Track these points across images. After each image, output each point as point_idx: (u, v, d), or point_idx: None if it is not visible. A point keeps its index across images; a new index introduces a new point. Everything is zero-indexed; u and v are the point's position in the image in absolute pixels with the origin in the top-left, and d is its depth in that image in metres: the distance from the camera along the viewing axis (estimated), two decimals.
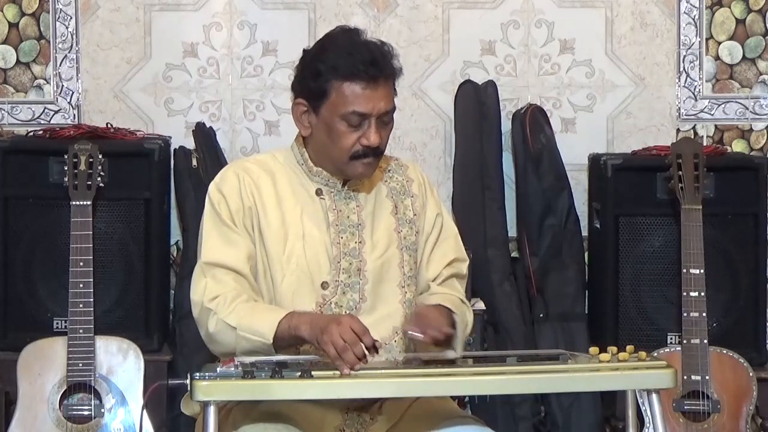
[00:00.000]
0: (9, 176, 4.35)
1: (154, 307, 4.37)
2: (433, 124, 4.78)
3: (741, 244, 4.41)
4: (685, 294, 4.09)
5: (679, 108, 4.77)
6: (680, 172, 4.18)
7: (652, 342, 4.25)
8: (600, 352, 2.91)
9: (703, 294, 4.08)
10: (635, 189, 4.41)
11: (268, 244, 3.08)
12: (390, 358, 3.01)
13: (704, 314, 4.07)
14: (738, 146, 4.77)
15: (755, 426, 4.23)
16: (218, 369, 2.78)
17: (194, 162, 4.56)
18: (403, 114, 4.68)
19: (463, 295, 3.23)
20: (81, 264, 4.05)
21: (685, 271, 4.09)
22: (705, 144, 4.70)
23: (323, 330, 2.85)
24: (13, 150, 4.39)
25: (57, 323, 4.29)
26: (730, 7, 4.75)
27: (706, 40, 4.75)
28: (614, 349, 2.91)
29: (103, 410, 4.07)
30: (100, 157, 4.16)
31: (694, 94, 4.76)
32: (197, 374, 2.76)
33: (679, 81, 4.76)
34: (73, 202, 4.11)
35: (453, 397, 3.24)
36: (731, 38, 4.76)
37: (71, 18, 4.72)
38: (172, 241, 4.67)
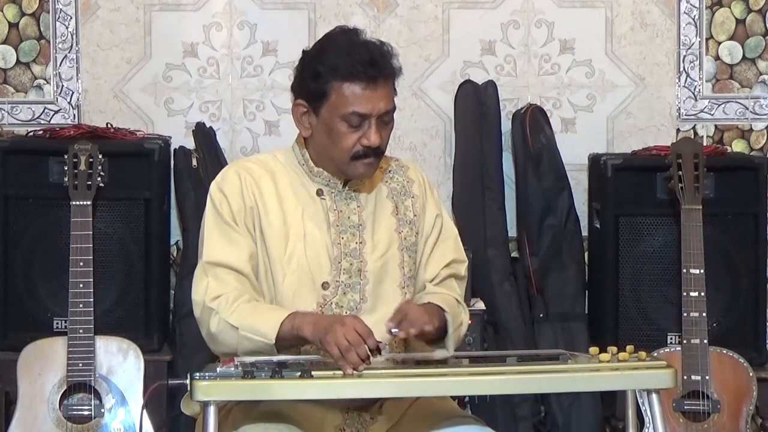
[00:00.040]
0: (9, 176, 4.35)
1: (154, 307, 4.37)
2: (433, 124, 4.79)
3: (741, 244, 4.41)
4: (685, 294, 4.09)
5: (679, 108, 4.77)
6: (680, 172, 4.18)
7: (652, 342, 4.25)
8: (600, 352, 2.91)
9: (703, 294, 4.08)
10: (635, 189, 4.41)
11: (269, 244, 3.08)
12: (394, 360, 3.01)
13: (704, 314, 4.07)
14: (738, 146, 4.77)
15: (755, 426, 4.23)
16: (218, 369, 2.78)
17: (194, 162, 4.56)
18: (403, 114, 4.68)
19: (460, 295, 3.22)
20: (81, 264, 4.05)
21: (685, 271, 4.10)
22: (705, 144, 4.70)
23: (327, 330, 2.85)
24: (13, 150, 4.39)
25: (57, 323, 4.29)
26: (730, 7, 4.75)
27: (706, 40, 4.76)
28: (614, 349, 2.91)
29: (103, 410, 4.07)
30: (100, 157, 4.16)
31: (694, 94, 4.76)
32: (197, 374, 2.76)
33: (679, 81, 4.76)
34: (73, 202, 4.11)
35: (453, 397, 3.24)
36: (731, 38, 4.76)
37: (71, 18, 4.72)
38: (172, 241, 4.67)
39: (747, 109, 4.77)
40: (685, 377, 4.07)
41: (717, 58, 4.76)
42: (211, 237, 3.08)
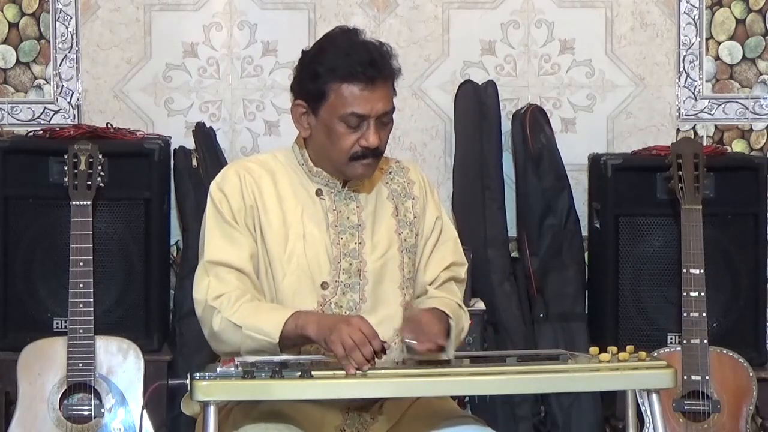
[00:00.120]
0: (9, 176, 4.35)
1: (154, 307, 4.37)
2: (433, 124, 4.78)
3: (741, 244, 4.41)
4: (685, 294, 4.09)
5: (679, 108, 4.77)
6: (680, 172, 4.18)
7: (652, 342, 4.25)
8: (600, 352, 2.91)
9: (703, 294, 4.08)
10: (635, 189, 4.41)
11: (269, 243, 3.08)
12: (392, 359, 3.01)
13: (704, 314, 4.07)
14: (738, 146, 4.77)
15: (755, 426, 4.23)
16: (218, 369, 2.78)
17: (194, 162, 4.56)
18: (403, 114, 4.68)
19: (461, 299, 3.22)
20: (81, 264, 4.05)
21: (685, 271, 4.10)
22: (705, 144, 4.70)
23: (332, 330, 2.85)
24: (13, 150, 4.39)
25: (57, 323, 4.29)
26: (730, 7, 4.75)
27: (706, 40, 4.75)
28: (614, 349, 2.91)
29: (103, 410, 4.07)
30: (100, 157, 4.16)
31: (694, 94, 4.76)
32: (197, 374, 2.76)
33: (679, 81, 4.76)
34: (73, 202, 4.11)
35: (453, 397, 3.24)
36: (731, 38, 4.76)
37: (71, 18, 4.72)
38: (172, 241, 4.67)
39: (747, 109, 4.77)
40: (685, 377, 4.07)
41: (717, 58, 4.76)
42: (212, 236, 3.08)
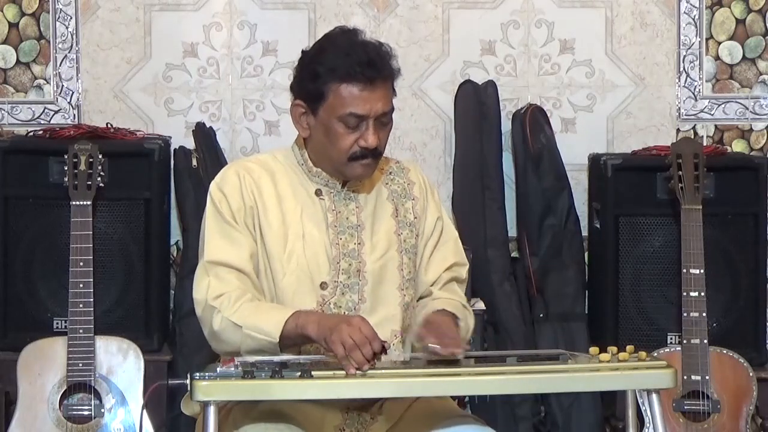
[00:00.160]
0: (9, 176, 4.35)
1: (154, 307, 4.37)
2: (433, 124, 4.78)
3: (741, 244, 4.41)
4: (685, 294, 4.09)
5: (679, 108, 4.77)
6: (680, 172, 4.18)
7: (652, 342, 4.25)
8: (600, 352, 2.91)
9: (703, 294, 4.07)
10: (635, 189, 4.41)
11: (268, 243, 3.08)
12: (391, 360, 3.00)
13: (704, 314, 4.07)
14: (738, 146, 4.77)
15: (755, 426, 4.23)
16: (218, 369, 2.78)
17: (194, 162, 4.56)
18: (403, 114, 4.68)
19: (464, 299, 3.23)
20: (81, 264, 4.05)
21: (685, 271, 4.09)
22: (705, 144, 4.70)
23: (332, 329, 2.85)
24: (13, 150, 4.39)
25: (57, 323, 4.29)
26: (730, 7, 4.75)
27: (706, 40, 4.75)
28: (614, 349, 2.91)
29: (103, 410, 4.07)
30: (100, 157, 4.16)
31: (694, 94, 4.76)
32: (197, 374, 2.76)
33: (679, 81, 4.76)
34: (73, 202, 4.11)
35: (453, 397, 3.24)
36: (731, 38, 4.76)
37: (71, 18, 4.72)
38: (172, 241, 4.67)
39: (747, 109, 4.77)
40: (685, 377, 4.07)
41: (717, 58, 4.76)
42: (212, 236, 3.09)
